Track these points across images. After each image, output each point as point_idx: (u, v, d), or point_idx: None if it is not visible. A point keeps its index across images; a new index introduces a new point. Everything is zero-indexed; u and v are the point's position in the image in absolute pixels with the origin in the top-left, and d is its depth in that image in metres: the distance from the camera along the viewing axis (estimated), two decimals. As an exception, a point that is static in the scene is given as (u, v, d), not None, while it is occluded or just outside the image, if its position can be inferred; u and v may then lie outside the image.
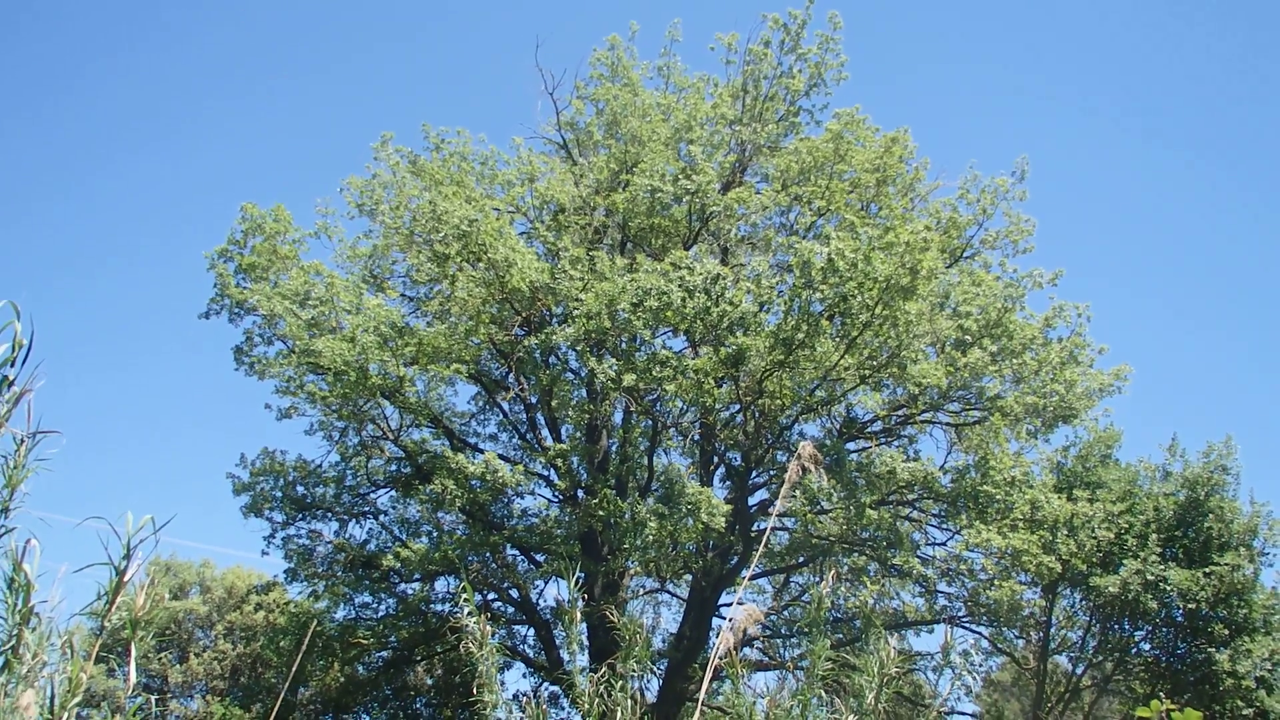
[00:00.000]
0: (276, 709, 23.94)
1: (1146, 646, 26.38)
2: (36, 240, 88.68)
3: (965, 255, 25.06)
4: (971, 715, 30.41)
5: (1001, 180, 24.47)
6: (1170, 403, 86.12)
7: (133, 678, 5.50)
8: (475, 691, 8.63)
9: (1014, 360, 21.77)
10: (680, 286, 20.00)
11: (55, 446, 5.45)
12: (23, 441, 5.36)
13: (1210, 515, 24.52)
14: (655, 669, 24.80)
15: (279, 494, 24.78)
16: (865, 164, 24.17)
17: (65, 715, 4.97)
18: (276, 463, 24.91)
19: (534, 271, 21.56)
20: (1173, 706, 4.81)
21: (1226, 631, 23.36)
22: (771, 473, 24.21)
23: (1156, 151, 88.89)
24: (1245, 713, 22.39)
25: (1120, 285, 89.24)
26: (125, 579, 5.40)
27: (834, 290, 19.43)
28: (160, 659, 34.27)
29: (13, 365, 5.42)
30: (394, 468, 25.89)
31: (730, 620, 7.13)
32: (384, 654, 27.10)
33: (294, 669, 23.33)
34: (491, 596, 25.25)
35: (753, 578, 25.98)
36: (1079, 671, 27.78)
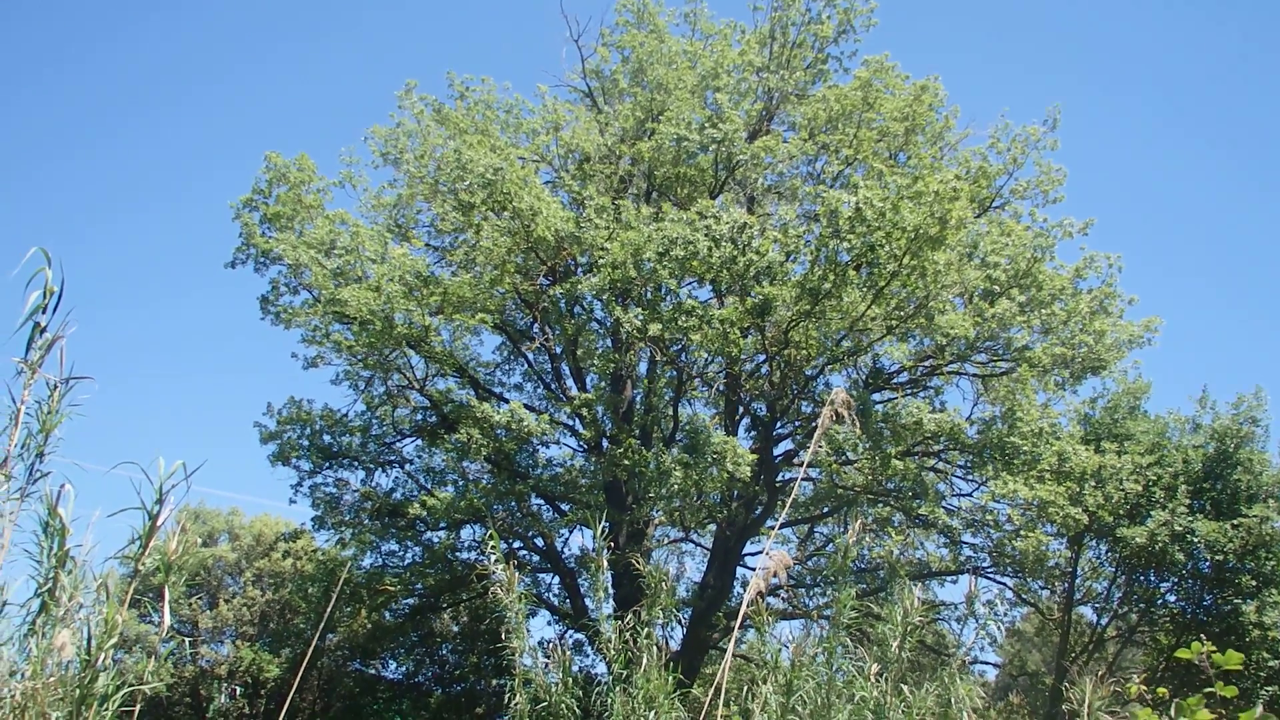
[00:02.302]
0: (306, 654, 24.17)
1: (1172, 598, 26.31)
2: (67, 189, 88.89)
3: (995, 205, 24.80)
4: (995, 665, 30.50)
5: (1033, 129, 24.17)
6: (1201, 354, 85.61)
7: (167, 620, 5.53)
8: (502, 638, 8.68)
9: (1043, 311, 21.57)
10: (706, 236, 19.88)
11: (87, 392, 5.45)
12: (56, 387, 5.37)
13: (1239, 467, 24.35)
14: (679, 617, 24.91)
15: (306, 443, 24.89)
16: (894, 112, 23.90)
17: (102, 656, 5.00)
18: (303, 412, 25.00)
19: (559, 221, 21.46)
20: (1212, 649, 4.75)
21: (1254, 583, 23.26)
22: (796, 423, 24.16)
23: (1191, 98, 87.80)
24: (1271, 664, 22.34)
25: (1153, 235, 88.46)
26: (158, 523, 5.42)
27: (861, 240, 19.26)
28: (191, 604, 34.61)
29: (44, 312, 5.42)
30: (419, 417, 25.96)
31: (760, 566, 7.10)
32: (410, 601, 27.30)
33: (323, 615, 23.54)
34: (517, 545, 25.35)
35: (778, 528, 25.99)
36: (1103, 622, 27.75)
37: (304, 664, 15.07)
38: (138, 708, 5.26)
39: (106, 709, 4.92)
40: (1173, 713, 4.67)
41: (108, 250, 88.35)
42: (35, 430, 5.21)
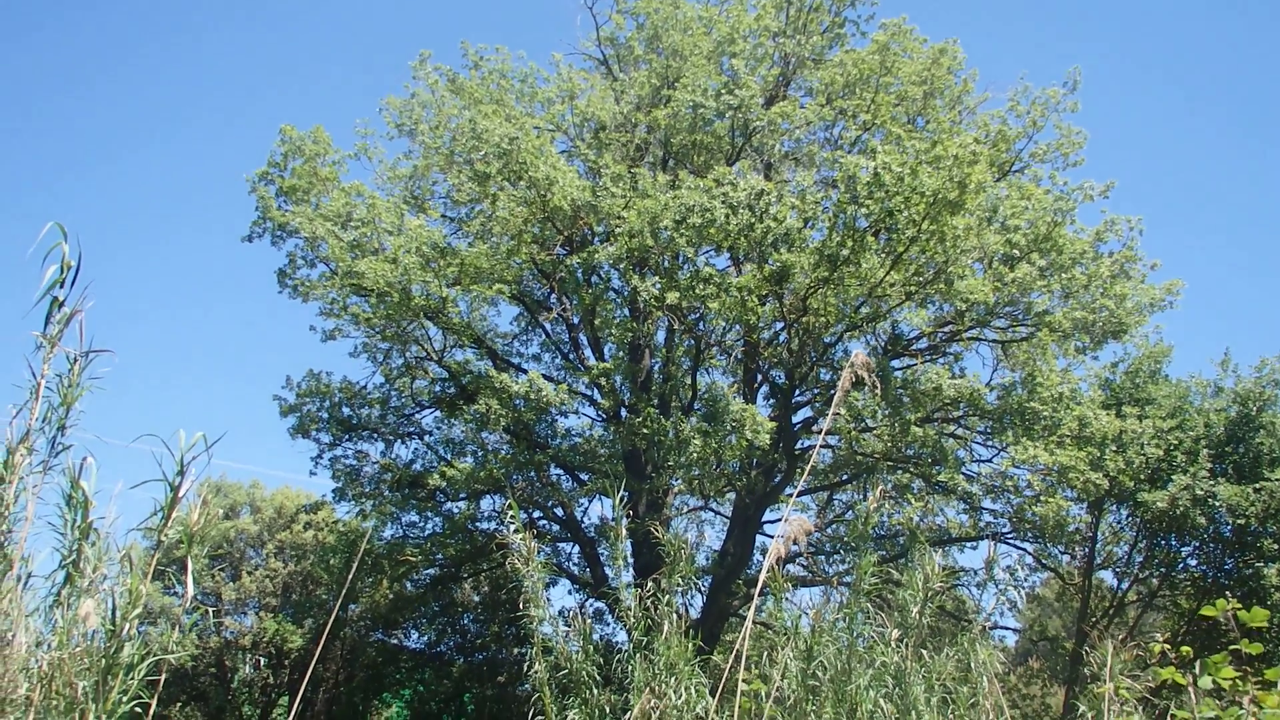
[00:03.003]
0: (328, 624, 24.36)
1: (1193, 562, 26.25)
2: (84, 165, 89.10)
3: (1014, 169, 24.65)
4: (1015, 630, 30.52)
5: (1052, 91, 23.97)
6: (1223, 318, 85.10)
7: (190, 589, 5.58)
8: (522, 607, 8.72)
9: (1063, 275, 21.43)
10: (723, 203, 19.80)
11: (107, 365, 5.47)
12: (76, 360, 5.39)
13: (1262, 430, 24.20)
14: (699, 585, 24.98)
15: (325, 415, 24.98)
16: (912, 76, 23.73)
17: (126, 626, 5.04)
18: (322, 384, 25.07)
19: (575, 190, 21.40)
20: (1238, 606, 4.74)
21: (1276, 546, 23.15)
22: (815, 391, 24.14)
23: (1212, 58, 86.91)
24: (1293, 627, 22.26)
25: (1174, 197, 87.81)
26: (180, 494, 5.45)
27: (880, 205, 19.15)
28: (214, 576, 34.89)
29: (62, 286, 5.44)
30: (438, 388, 26.02)
31: (780, 532, 7.11)
32: (431, 571, 27.47)
33: (344, 586, 23.69)
34: (536, 515, 25.43)
35: (797, 495, 26.02)
36: (1124, 587, 27.72)
37: (325, 633, 15.19)
38: (163, 677, 5.30)
39: (132, 678, 4.96)
40: (1197, 670, 4.66)
41: (125, 225, 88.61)
42: (56, 404, 5.23)
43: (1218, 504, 23.15)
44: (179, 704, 33.93)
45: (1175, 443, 24.07)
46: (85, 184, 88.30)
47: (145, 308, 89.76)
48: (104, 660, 4.86)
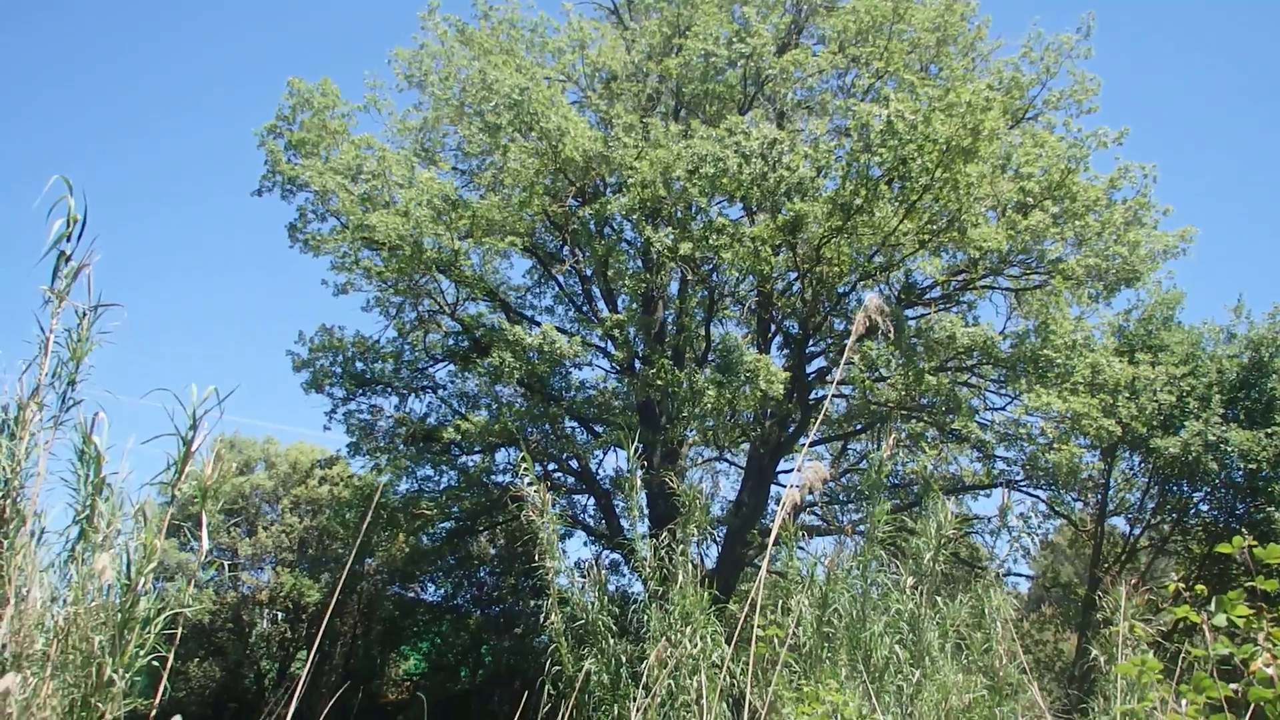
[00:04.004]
0: (343, 578, 24.52)
1: (1205, 507, 26.29)
2: (91, 118, 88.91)
3: (1028, 116, 24.38)
4: (1028, 577, 30.60)
5: (1066, 37, 23.65)
6: (1236, 264, 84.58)
7: (205, 544, 5.59)
8: (538, 559, 8.76)
9: (1076, 223, 21.28)
10: (736, 152, 19.69)
11: (117, 319, 5.46)
12: (85, 314, 5.38)
13: (1274, 376, 24.13)
14: (714, 535, 25.07)
15: (338, 370, 25.00)
16: (925, 23, 23.46)
17: (142, 580, 5.06)
18: (335, 339, 25.08)
19: (587, 140, 21.28)
20: (1253, 542, 4.74)
21: (1288, 492, 23.20)
22: (829, 341, 24.08)
23: (1226, 2, 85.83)
24: (1303, 571, 22.26)
25: (1188, 143, 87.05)
26: (193, 449, 5.45)
27: (893, 153, 19.02)
28: (230, 532, 35.09)
29: (69, 240, 5.42)
30: (451, 341, 25.99)
31: (796, 478, 7.10)
32: (447, 525, 27.56)
33: (359, 540, 23.80)
34: (551, 467, 25.49)
35: (811, 445, 26.05)
36: (1136, 533, 27.79)
37: (339, 587, 15.30)
38: (180, 631, 5.33)
39: (149, 632, 4.98)
40: (1212, 608, 4.66)
41: (135, 181, 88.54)
42: (65, 359, 5.23)
43: (1230, 449, 23.12)
44: (197, 659, 34.27)
45: (1188, 389, 24.04)
46: (93, 139, 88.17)
47: (156, 264, 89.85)
48: (120, 615, 4.88)
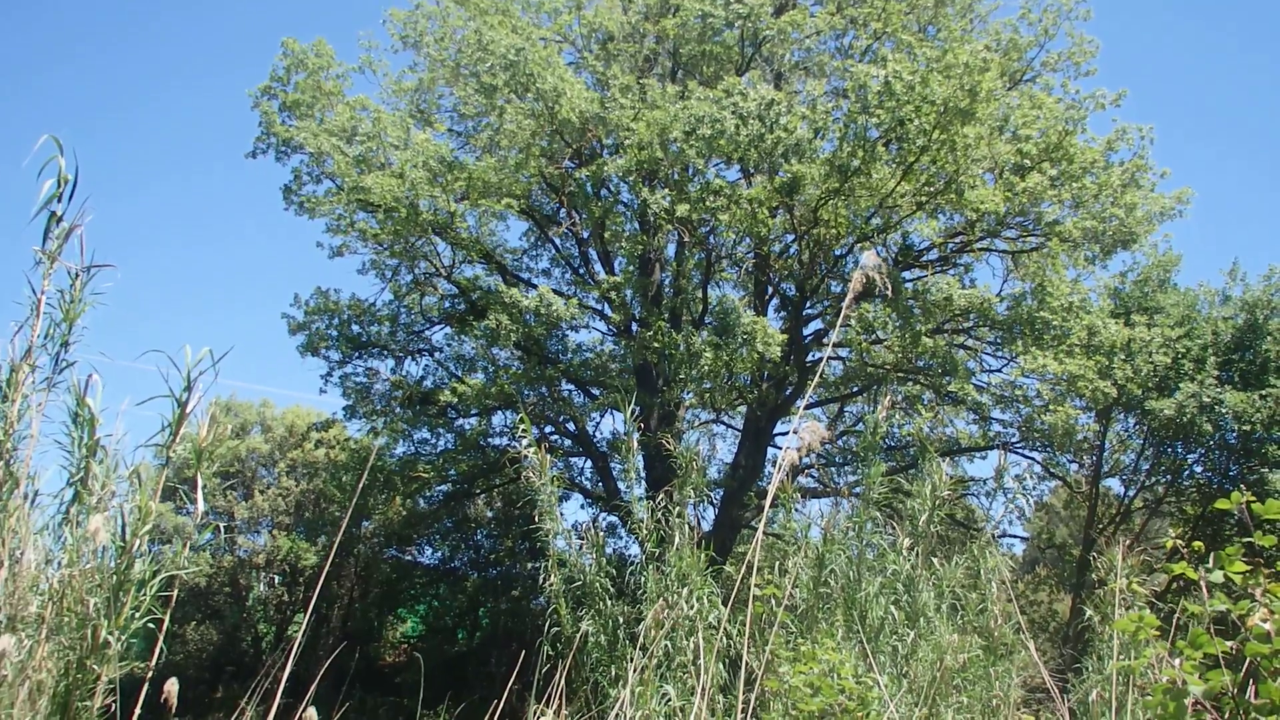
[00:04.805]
0: (336, 539, 24.55)
1: (1199, 469, 26.42)
2: (84, 80, 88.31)
3: (1025, 78, 24.30)
4: (1023, 538, 30.74)
5: (1065, -1, 23.55)
6: (1232, 226, 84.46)
7: (200, 505, 5.57)
8: (535, 521, 8.77)
9: (1073, 185, 21.22)
10: (733, 114, 19.59)
11: (110, 280, 5.43)
12: (77, 276, 5.34)
13: (1269, 338, 24.23)
14: (711, 498, 25.14)
15: (334, 333, 24.97)
16: (923, -18, 23.34)
17: (137, 542, 5.04)
18: (330, 302, 25.02)
19: (584, 102, 21.15)
20: (1251, 498, 4.75)
21: (1280, 452, 23.33)
22: (826, 303, 24.05)
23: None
24: (1294, 531, 22.40)
25: (1185, 106, 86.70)
26: (187, 410, 5.43)
27: (890, 115, 18.94)
28: (226, 495, 35.11)
29: (60, 200, 5.37)
30: (448, 304, 25.97)
31: (793, 439, 7.10)
32: (444, 488, 27.61)
33: (353, 501, 23.80)
34: (548, 430, 25.52)
35: (808, 407, 26.04)
36: (1130, 494, 27.93)
37: (333, 549, 15.31)
38: (175, 594, 5.33)
39: (144, 595, 4.98)
40: (1210, 564, 4.68)
41: (129, 144, 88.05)
42: (58, 320, 5.19)
43: (1224, 411, 23.25)
44: (194, 622, 34.37)
45: (1183, 351, 24.14)
46: (86, 101, 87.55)
47: (150, 227, 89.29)
48: (115, 577, 4.88)
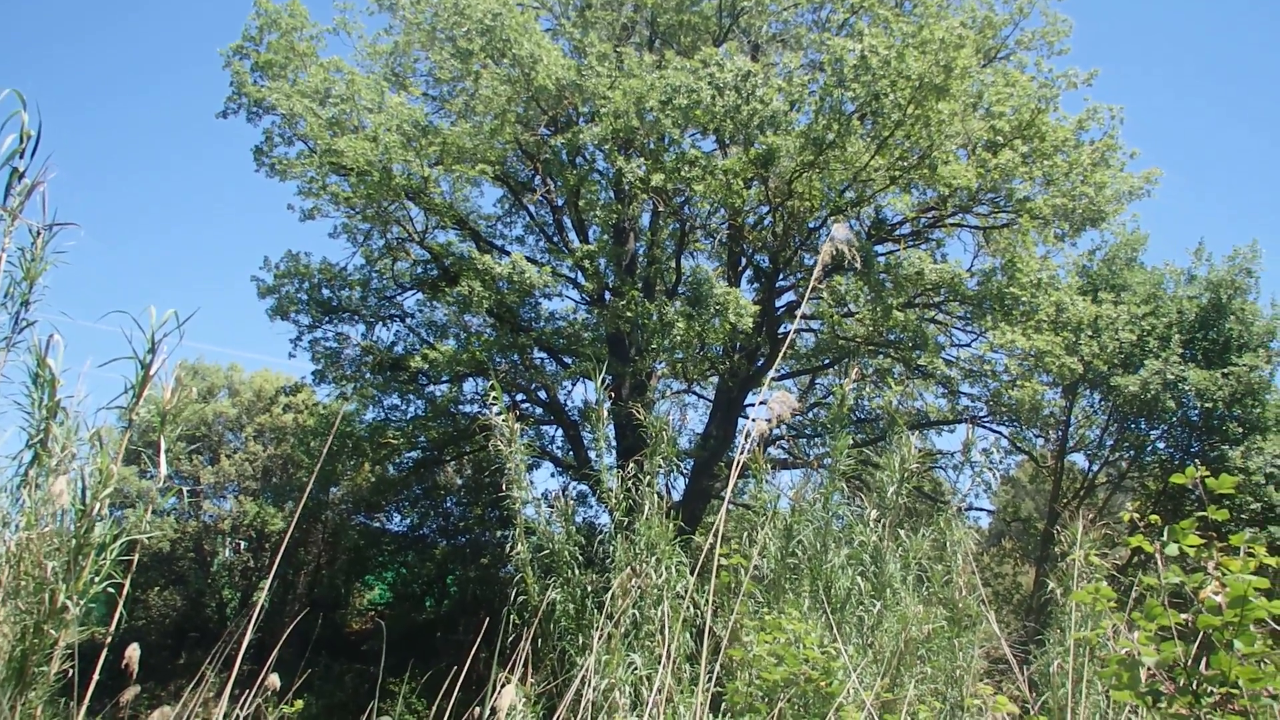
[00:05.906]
0: (300, 504, 24.50)
1: (1161, 445, 26.75)
2: (48, 29, 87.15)
3: (1000, 55, 24.39)
4: (989, 511, 31.01)
5: (1040, -22, 23.60)
6: (1198, 207, 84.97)
7: (163, 469, 5.51)
8: (505, 489, 8.77)
9: (1045, 162, 21.37)
10: (710, 84, 19.57)
11: (74, 239, 5.36)
12: (39, 234, 5.26)
13: (1232, 317, 24.60)
14: (681, 468, 25.19)
15: (304, 297, 24.78)
16: (900, -42, 23.31)
17: (97, 505, 5.00)
18: (301, 265, 24.81)
19: (560, 69, 21.03)
20: (1206, 473, 4.83)
21: (1240, 430, 23.63)
22: (799, 275, 24.11)
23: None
24: (1253, 506, 22.67)
25: (1155, 87, 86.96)
26: (151, 372, 5.37)
27: (866, 89, 18.99)
28: (191, 459, 34.85)
29: (22, 156, 5.29)
30: (420, 270, 25.83)
31: (763, 411, 7.11)
32: (414, 454, 27.54)
33: (319, 466, 23.72)
34: (520, 398, 25.48)
35: (779, 379, 26.12)
36: (1095, 469, 28.25)
37: (297, 514, 15.27)
38: (136, 558, 5.29)
39: (104, 559, 4.94)
40: (1165, 537, 4.75)
41: (96, 101, 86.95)
42: (19, 279, 5.12)
43: (1187, 388, 23.61)
44: (158, 588, 34.19)
45: (1148, 328, 24.46)
46: (51, 52, 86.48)
47: (117, 187, 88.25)
48: (74, 540, 4.84)
